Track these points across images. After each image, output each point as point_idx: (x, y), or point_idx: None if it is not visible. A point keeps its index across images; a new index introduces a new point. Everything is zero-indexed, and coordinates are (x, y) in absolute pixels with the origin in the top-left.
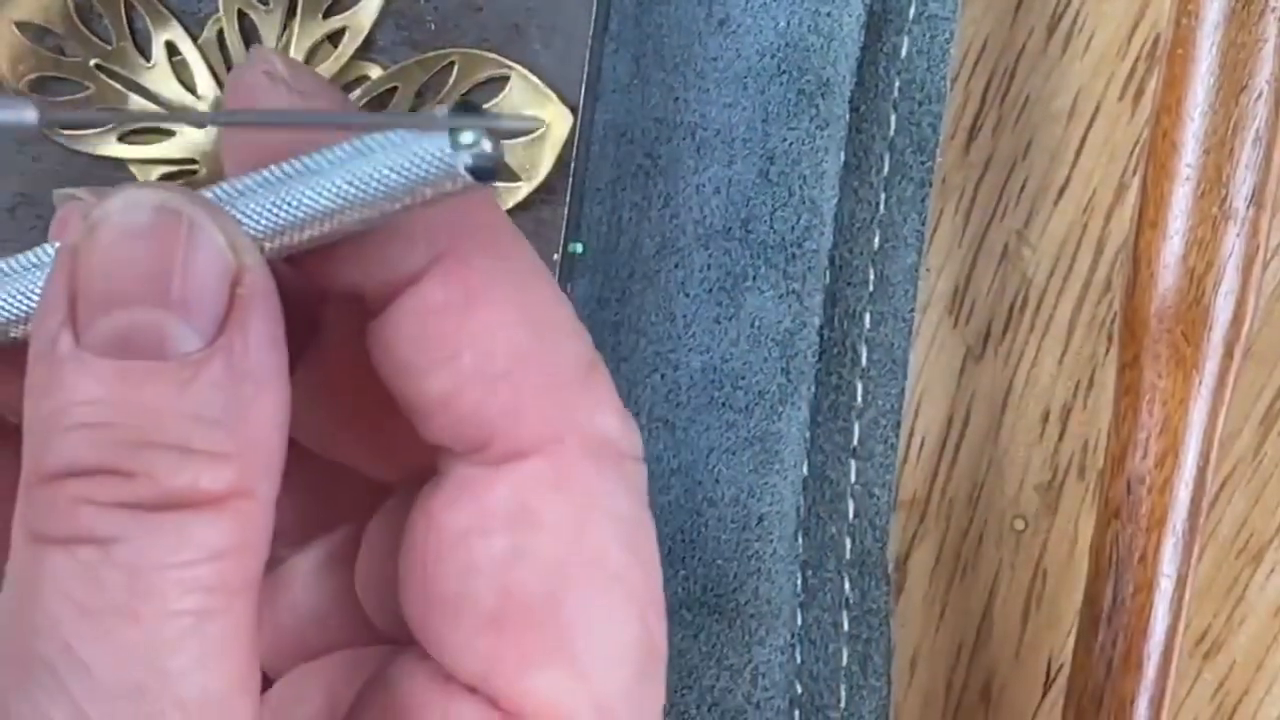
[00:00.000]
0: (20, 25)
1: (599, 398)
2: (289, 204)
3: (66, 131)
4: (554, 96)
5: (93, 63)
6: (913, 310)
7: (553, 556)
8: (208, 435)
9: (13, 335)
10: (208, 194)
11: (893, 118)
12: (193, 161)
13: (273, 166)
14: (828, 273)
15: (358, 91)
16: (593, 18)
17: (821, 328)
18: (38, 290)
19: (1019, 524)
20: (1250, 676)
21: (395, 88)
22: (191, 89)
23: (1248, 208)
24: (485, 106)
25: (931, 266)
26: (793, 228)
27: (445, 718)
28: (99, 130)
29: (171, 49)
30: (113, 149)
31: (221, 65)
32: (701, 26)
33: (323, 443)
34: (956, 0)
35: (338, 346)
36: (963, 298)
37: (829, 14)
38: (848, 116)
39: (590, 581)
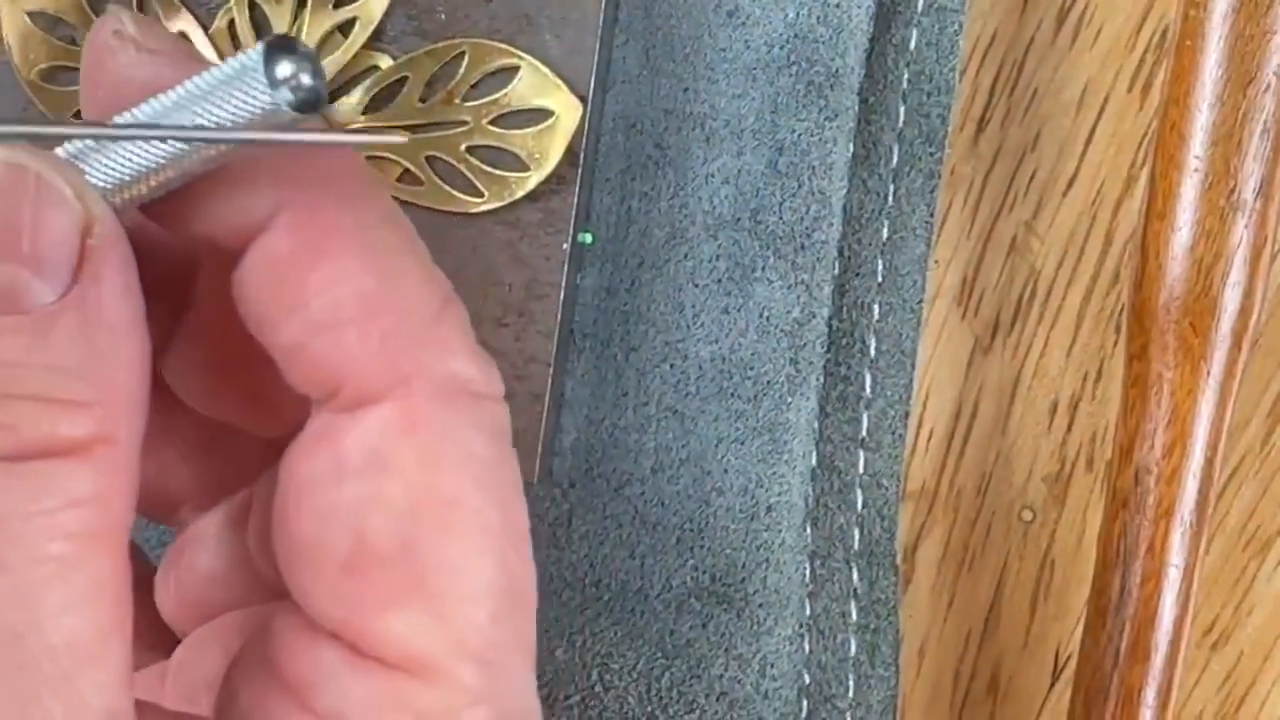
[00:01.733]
0: (32, 15)
1: (448, 341)
2: (129, 154)
3: (77, 121)
4: (564, 87)
5: None
6: (921, 301)
7: (403, 500)
8: (66, 384)
9: None
10: (59, 151)
11: (902, 109)
12: None
13: (115, 120)
14: (836, 263)
15: (367, 81)
16: (602, 8)
17: (830, 318)
18: None
19: (1027, 515)
20: (1258, 667)
21: (405, 78)
22: None
23: (1255, 199)
24: (496, 97)
25: (940, 258)
26: (801, 218)
27: (310, 664)
28: None
29: (182, 39)
30: None
31: (232, 55)
32: (710, 18)
33: (213, 404)
34: None
35: (215, 305)
36: (971, 289)
37: (838, 5)
38: (856, 108)
39: (443, 523)
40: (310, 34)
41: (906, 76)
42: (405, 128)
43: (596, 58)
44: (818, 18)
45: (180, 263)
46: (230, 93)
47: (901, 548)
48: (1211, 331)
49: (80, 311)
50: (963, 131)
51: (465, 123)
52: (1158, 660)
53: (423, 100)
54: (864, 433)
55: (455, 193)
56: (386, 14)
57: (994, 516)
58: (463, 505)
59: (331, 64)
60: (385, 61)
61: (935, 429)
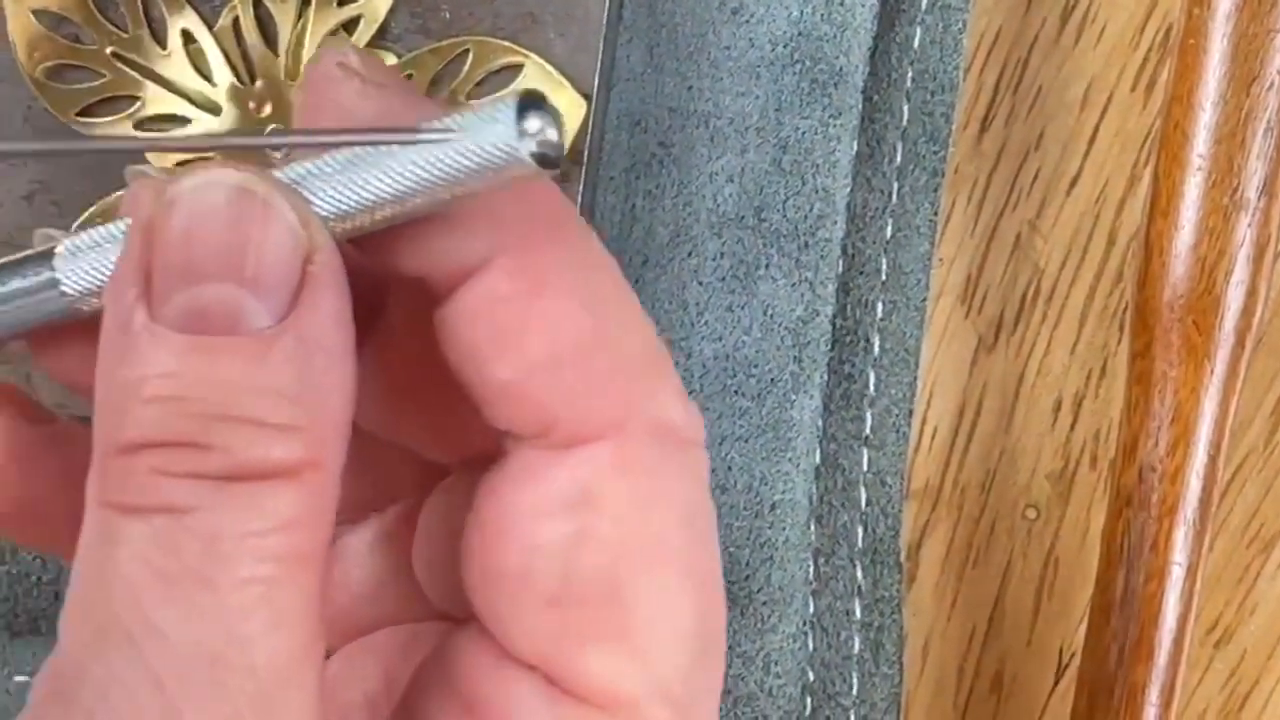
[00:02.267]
0: (37, 13)
1: (663, 385)
2: (357, 187)
3: (83, 119)
4: (568, 85)
5: (109, 50)
6: (925, 299)
7: (614, 539)
8: (280, 408)
9: (83, 309)
10: (279, 174)
11: (906, 108)
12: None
13: (344, 150)
14: (840, 261)
15: None
16: (607, 6)
17: (834, 316)
18: (110, 265)
19: (1031, 513)
20: (1261, 665)
21: (410, 75)
22: (207, 77)
23: (1259, 197)
24: (500, 95)
25: (944, 256)
26: (805, 216)
27: (504, 694)
28: (115, 117)
29: (187, 37)
30: None
31: (237, 53)
32: (715, 15)
33: (380, 423)
34: None
35: (400, 330)
36: (975, 287)
37: (842, 3)
38: (860, 106)
39: (650, 564)
40: (315, 32)
41: (910, 75)
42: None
43: (601, 56)
44: (822, 15)
45: (370, 285)
46: (469, 135)
47: (905, 545)
48: (1215, 330)
49: (297, 337)
50: (966, 130)
51: None
52: (1161, 658)
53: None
54: (868, 430)
55: None
56: (391, 12)
57: (998, 514)
58: (669, 548)
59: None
60: (390, 59)
61: (939, 427)
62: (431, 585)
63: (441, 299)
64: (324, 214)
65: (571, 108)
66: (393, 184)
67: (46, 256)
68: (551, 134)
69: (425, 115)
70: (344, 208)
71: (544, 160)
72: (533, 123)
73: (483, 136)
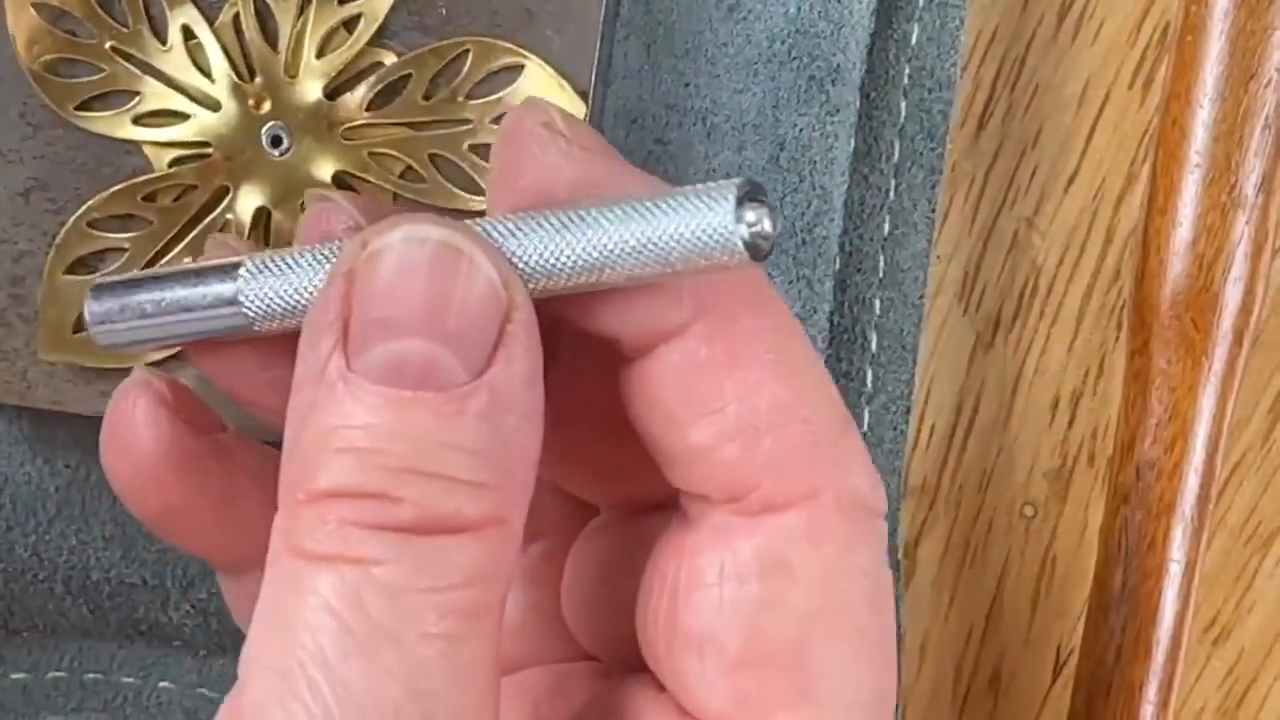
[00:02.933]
0: (37, 6)
1: (853, 456)
2: (562, 252)
3: (81, 113)
4: (568, 86)
5: (108, 45)
6: (922, 297)
7: (803, 606)
8: (471, 465)
9: (257, 329)
10: (477, 227)
11: (903, 105)
12: (206, 145)
13: (549, 212)
14: (837, 259)
15: (371, 78)
16: (604, 3)
17: (831, 314)
18: (292, 292)
19: (1028, 511)
20: (1259, 663)
21: (409, 75)
22: (207, 73)
23: (1257, 195)
24: (500, 95)
25: (941, 254)
26: (803, 214)
27: None
28: (114, 112)
29: (187, 32)
30: (128, 131)
31: (237, 49)
32: (712, 12)
33: (541, 463)
34: None
35: (571, 375)
36: (972, 285)
37: (839, 0)
38: (858, 103)
39: (835, 633)
40: (315, 30)
41: (908, 72)
42: (409, 125)
43: (598, 53)
44: (819, 12)
45: (546, 334)
46: (685, 222)
47: (903, 544)
48: (1213, 327)
49: (491, 395)
50: (964, 127)
51: (468, 121)
52: (1159, 656)
53: (426, 97)
54: (865, 428)
55: (458, 190)
56: (390, 10)
57: (995, 512)
58: (853, 617)
59: (336, 60)
60: (389, 58)
61: (936, 425)
62: (581, 627)
63: (632, 359)
64: (523, 274)
65: (571, 110)
66: (598, 255)
67: (226, 272)
68: (768, 226)
69: (629, 185)
70: (544, 270)
71: (755, 251)
72: (750, 213)
73: (698, 221)
